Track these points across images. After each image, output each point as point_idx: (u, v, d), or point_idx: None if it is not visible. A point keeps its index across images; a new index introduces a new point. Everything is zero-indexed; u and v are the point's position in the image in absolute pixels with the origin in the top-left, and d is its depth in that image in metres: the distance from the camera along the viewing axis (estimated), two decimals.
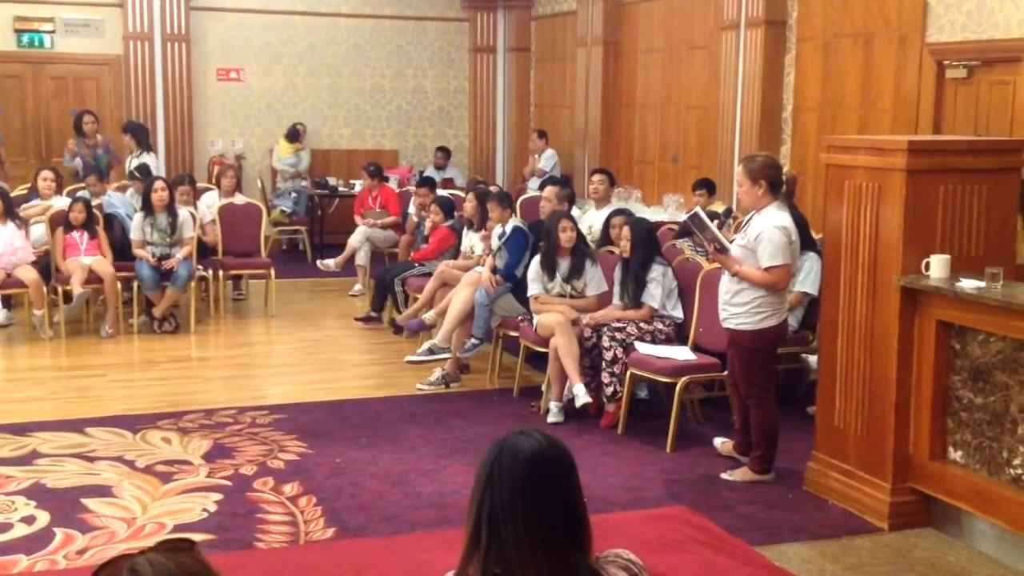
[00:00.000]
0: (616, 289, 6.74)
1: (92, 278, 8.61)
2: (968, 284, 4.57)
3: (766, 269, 5.33)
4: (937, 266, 4.73)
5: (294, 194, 12.88)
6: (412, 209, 10.17)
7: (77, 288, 8.48)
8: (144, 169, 9.84)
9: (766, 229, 5.32)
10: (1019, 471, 4.44)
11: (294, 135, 13.04)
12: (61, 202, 9.13)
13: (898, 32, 8.25)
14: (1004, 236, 5.00)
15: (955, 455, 4.78)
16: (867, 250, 5.00)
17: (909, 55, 8.12)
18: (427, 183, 10.15)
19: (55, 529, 4.81)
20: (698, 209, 5.95)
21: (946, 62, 7.77)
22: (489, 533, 2.10)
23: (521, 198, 10.46)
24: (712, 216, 6.92)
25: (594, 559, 2.17)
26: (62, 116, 12.99)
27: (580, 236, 6.96)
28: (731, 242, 5.56)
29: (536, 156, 12.56)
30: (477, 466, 2.19)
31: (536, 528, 2.09)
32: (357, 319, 9.23)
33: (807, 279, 6.49)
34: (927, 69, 7.91)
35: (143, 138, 10.98)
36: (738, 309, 5.46)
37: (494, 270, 7.48)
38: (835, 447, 5.27)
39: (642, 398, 6.87)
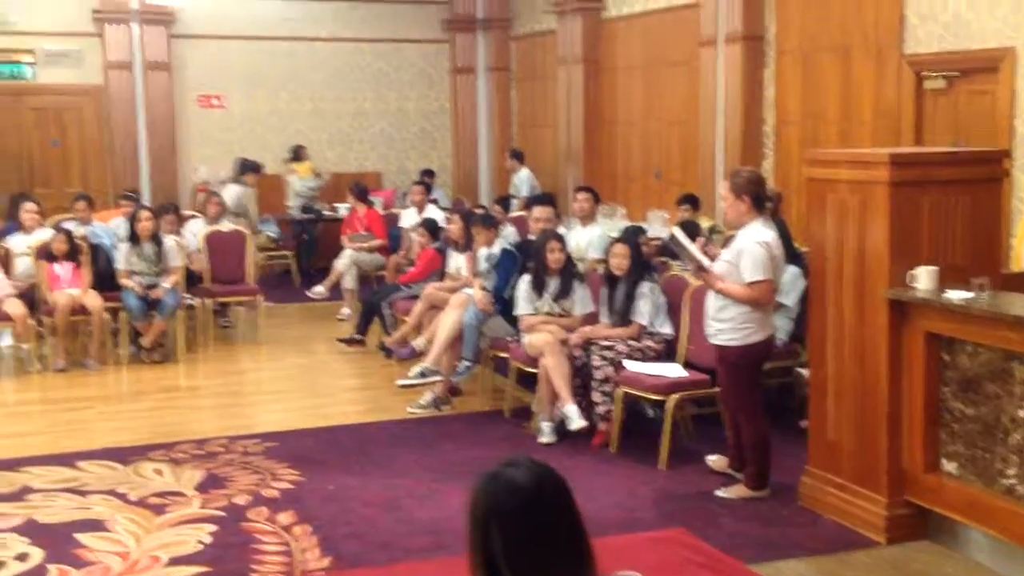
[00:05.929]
0: (603, 308, 6.74)
1: (79, 310, 8.57)
2: (955, 295, 4.60)
3: (748, 284, 5.35)
4: (924, 278, 4.75)
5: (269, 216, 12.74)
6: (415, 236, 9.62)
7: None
8: (136, 191, 9.78)
9: (747, 245, 5.35)
10: (1012, 481, 4.46)
11: (300, 154, 13.02)
12: (45, 234, 9.07)
13: (876, 44, 8.32)
14: (989, 246, 5.03)
15: (949, 466, 4.80)
16: (853, 263, 5.02)
17: (887, 67, 8.18)
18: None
19: (49, 565, 4.77)
20: (674, 230, 5.96)
21: (924, 73, 7.83)
22: (510, 571, 2.07)
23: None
24: (695, 230, 6.93)
25: None
26: (44, 147, 13.00)
27: (568, 256, 6.97)
28: (715, 258, 5.58)
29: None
30: (471, 506, 2.14)
31: (550, 556, 2.09)
32: (340, 340, 9.22)
33: (790, 293, 6.51)
34: (906, 80, 7.98)
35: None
36: (724, 325, 5.47)
37: (484, 290, 7.48)
38: (829, 461, 5.27)
39: (650, 418, 6.85)
